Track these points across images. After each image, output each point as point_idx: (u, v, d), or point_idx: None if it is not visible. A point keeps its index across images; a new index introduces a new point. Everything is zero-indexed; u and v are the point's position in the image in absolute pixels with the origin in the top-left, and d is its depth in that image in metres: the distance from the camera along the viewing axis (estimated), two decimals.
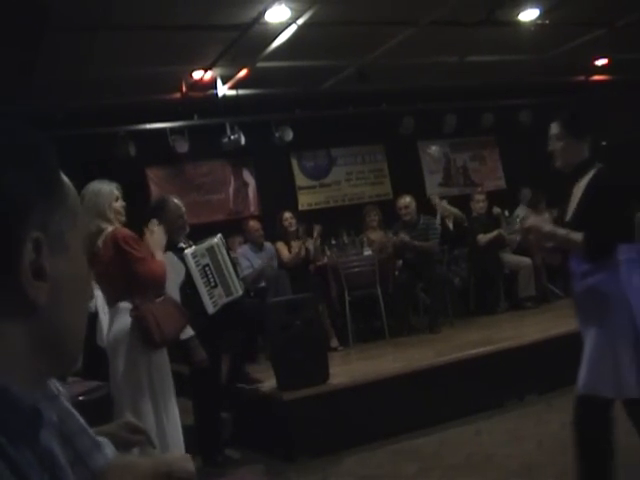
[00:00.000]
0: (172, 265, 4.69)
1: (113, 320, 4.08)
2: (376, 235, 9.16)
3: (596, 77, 12.02)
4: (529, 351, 6.49)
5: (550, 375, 6.34)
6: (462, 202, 9.83)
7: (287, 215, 8.43)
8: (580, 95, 12.04)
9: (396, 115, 11.30)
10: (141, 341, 3.98)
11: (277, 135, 10.59)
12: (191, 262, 4.93)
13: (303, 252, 8.17)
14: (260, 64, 8.71)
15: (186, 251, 4.79)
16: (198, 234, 6.44)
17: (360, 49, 8.81)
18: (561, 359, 6.49)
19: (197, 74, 8.99)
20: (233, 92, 9.51)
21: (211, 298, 5.03)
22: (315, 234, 8.37)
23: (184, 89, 9.37)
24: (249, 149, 10.40)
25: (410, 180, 11.27)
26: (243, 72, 8.98)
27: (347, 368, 4.46)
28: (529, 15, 8.49)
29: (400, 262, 8.63)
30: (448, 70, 10.10)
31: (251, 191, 10.94)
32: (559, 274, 9.58)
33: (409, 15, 7.98)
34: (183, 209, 5.20)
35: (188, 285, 4.96)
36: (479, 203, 9.52)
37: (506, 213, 9.96)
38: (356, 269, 8.21)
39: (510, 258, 9.33)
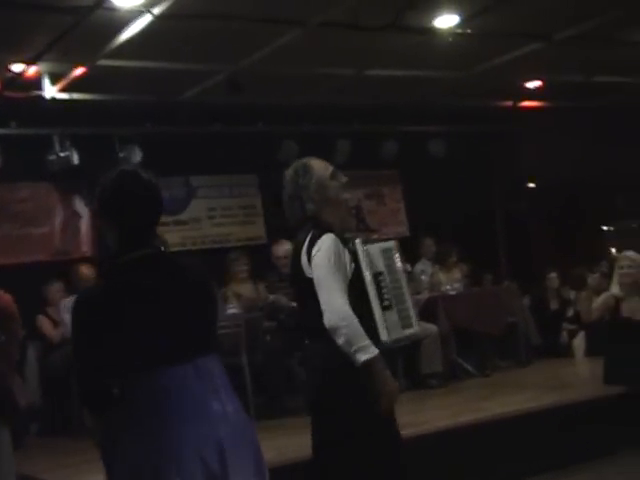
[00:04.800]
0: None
1: None
2: (244, 289, 9.14)
3: (527, 103, 12.49)
4: (433, 441, 6.55)
5: (461, 472, 6.44)
6: None
7: None
8: (506, 124, 12.51)
9: (275, 138, 11.37)
10: None
11: (121, 155, 10.47)
12: (364, 258, 4.24)
13: None
14: (102, 62, 8.61)
15: (357, 241, 4.20)
16: (10, 279, 6.27)
17: (233, 52, 8.86)
18: (474, 453, 6.62)
19: (16, 67, 8.78)
20: (65, 95, 9.37)
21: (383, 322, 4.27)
22: None
23: None
24: (83, 170, 10.20)
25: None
26: (79, 70, 8.86)
27: None
28: (446, 22, 8.73)
29: (274, 324, 8.63)
30: (343, 85, 10.26)
31: (84, 225, 10.74)
32: (472, 346, 9.82)
33: (296, 13, 8.07)
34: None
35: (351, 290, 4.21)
36: None
37: (408, 268, 10.12)
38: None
39: None
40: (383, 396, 4.02)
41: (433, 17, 8.61)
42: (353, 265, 4.20)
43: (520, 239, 13.37)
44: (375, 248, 4.37)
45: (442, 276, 10.45)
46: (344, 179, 4.42)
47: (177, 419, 3.07)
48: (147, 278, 3.18)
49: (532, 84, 11.66)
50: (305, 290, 4.26)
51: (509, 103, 12.36)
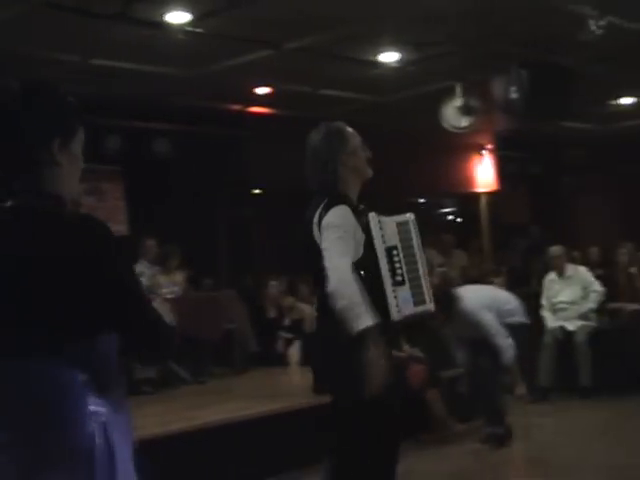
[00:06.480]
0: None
1: None
2: None
3: (256, 108, 12.72)
4: (143, 450, 6.51)
5: None
6: None
7: None
8: (235, 128, 12.65)
9: None
10: None
11: None
12: (377, 232, 4.23)
13: None
14: None
15: (371, 214, 4.19)
16: None
17: None
18: (185, 461, 6.68)
19: None
20: None
21: (394, 298, 4.25)
22: None
23: None
24: None
25: None
26: None
27: None
28: (178, 18, 8.74)
29: None
30: (69, 71, 10.03)
31: None
32: (188, 353, 9.89)
33: None
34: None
35: (363, 265, 4.21)
36: None
37: None
38: None
39: None
40: (367, 377, 4.03)
41: (164, 11, 8.57)
42: (364, 238, 4.22)
43: (243, 245, 13.55)
44: (390, 221, 4.39)
45: (162, 279, 10.42)
46: (369, 153, 4.45)
47: None
48: None
49: (262, 90, 11.86)
50: (318, 262, 4.21)
51: (238, 107, 12.52)
